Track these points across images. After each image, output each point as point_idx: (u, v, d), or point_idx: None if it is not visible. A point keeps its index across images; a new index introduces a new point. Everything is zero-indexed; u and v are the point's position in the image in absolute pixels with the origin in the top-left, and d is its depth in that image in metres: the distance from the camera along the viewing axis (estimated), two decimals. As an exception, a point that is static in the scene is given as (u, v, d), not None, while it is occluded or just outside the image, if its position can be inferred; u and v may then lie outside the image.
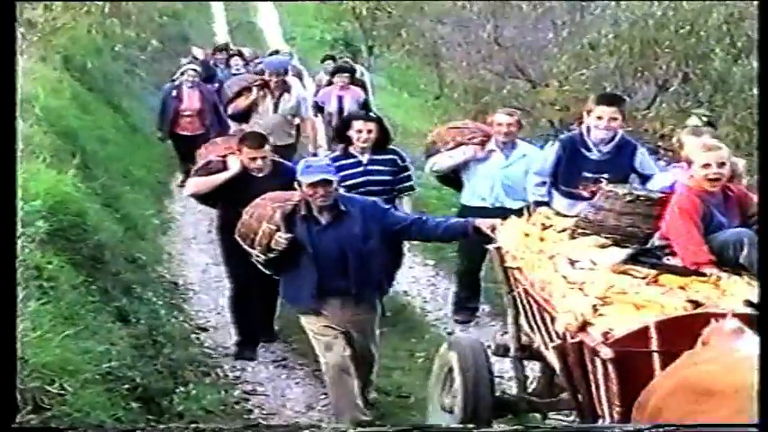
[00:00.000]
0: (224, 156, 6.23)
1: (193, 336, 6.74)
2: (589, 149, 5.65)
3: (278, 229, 4.99)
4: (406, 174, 6.50)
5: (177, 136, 10.93)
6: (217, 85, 11.26)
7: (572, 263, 4.20)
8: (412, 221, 5.28)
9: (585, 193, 5.46)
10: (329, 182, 5.00)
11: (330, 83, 11.30)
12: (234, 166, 6.11)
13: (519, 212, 6.09)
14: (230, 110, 8.67)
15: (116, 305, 5.61)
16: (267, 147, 6.16)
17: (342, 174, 5.73)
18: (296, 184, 5.08)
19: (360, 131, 6.32)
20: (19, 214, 4.10)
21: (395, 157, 6.46)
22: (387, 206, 5.39)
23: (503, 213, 6.08)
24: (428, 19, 16.70)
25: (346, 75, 11.09)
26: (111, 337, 4.86)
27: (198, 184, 6.26)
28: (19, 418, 3.26)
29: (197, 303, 7.58)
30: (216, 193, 6.17)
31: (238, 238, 5.24)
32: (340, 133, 6.57)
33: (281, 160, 6.38)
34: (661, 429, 3.11)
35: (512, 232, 4.80)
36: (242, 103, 8.46)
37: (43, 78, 9.25)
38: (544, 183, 5.92)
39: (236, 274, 6.40)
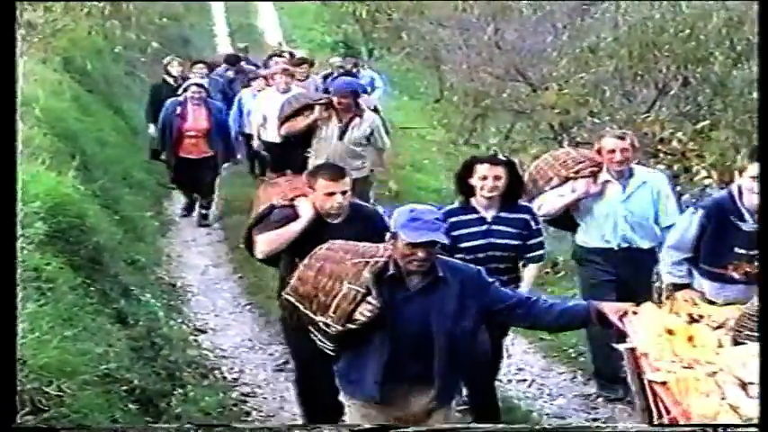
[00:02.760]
0: (291, 199, 4.96)
1: (192, 338, 6.75)
2: (742, 219, 4.63)
3: (367, 293, 3.80)
4: (537, 240, 5.23)
5: (179, 159, 9.65)
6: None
7: (744, 386, 3.24)
8: (518, 302, 4.04)
9: (737, 275, 4.62)
10: (435, 244, 3.83)
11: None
12: (306, 211, 4.84)
13: (649, 253, 5.47)
14: (284, 130, 7.67)
15: (115, 307, 5.60)
16: (347, 179, 4.89)
17: (458, 232, 4.84)
18: (387, 236, 3.92)
19: (485, 178, 5.03)
20: (18, 216, 4.10)
21: (527, 216, 5.19)
22: (491, 280, 4.10)
23: (631, 255, 5.57)
24: (428, 22, 16.74)
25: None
26: (110, 338, 4.86)
27: (271, 241, 4.89)
28: (17, 420, 3.27)
29: (196, 305, 7.60)
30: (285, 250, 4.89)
31: (293, 299, 3.98)
32: (461, 180, 5.18)
33: (361, 202, 5.29)
34: (662, 429, 3.09)
35: (649, 327, 3.70)
36: (300, 123, 7.49)
37: (43, 80, 9.26)
38: (685, 260, 4.89)
39: (305, 349, 4.65)
